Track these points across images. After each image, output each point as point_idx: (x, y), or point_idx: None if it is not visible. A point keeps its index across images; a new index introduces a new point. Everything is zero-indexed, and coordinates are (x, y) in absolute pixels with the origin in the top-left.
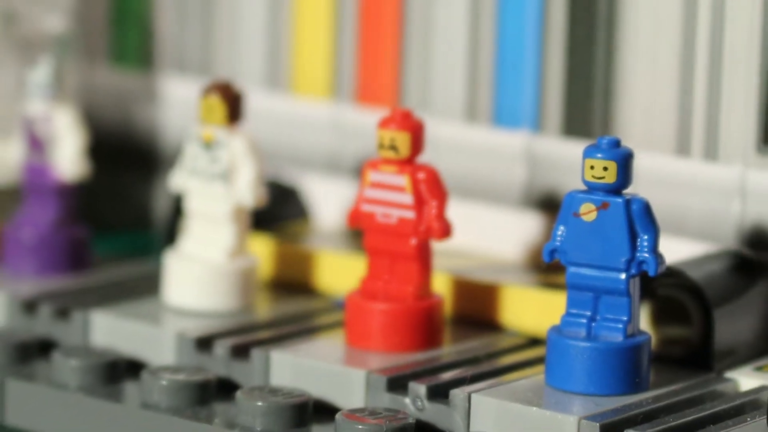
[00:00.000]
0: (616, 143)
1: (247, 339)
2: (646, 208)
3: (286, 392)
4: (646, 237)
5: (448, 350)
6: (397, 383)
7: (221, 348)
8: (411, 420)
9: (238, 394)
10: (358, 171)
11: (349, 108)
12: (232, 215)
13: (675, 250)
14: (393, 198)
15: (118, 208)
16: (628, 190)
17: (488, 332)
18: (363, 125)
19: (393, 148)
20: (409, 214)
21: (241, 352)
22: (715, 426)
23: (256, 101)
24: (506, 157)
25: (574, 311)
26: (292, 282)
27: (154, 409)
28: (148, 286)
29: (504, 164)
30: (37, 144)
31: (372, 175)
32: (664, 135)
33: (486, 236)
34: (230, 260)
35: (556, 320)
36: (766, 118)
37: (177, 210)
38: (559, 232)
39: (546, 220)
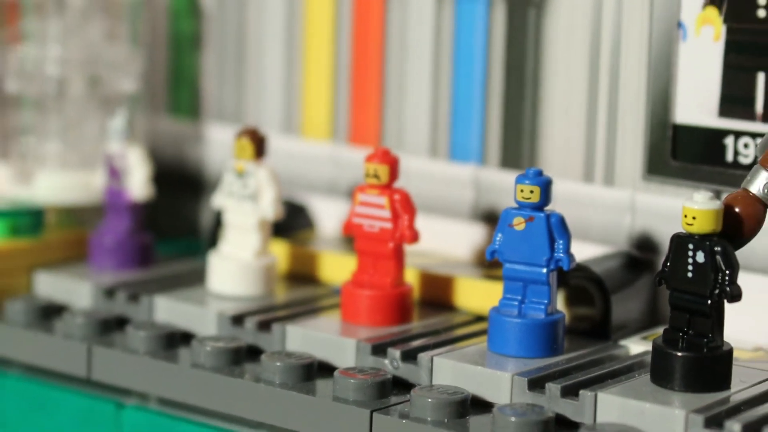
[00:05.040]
0: (540, 173)
1: (269, 316)
2: (562, 221)
3: (297, 356)
4: (561, 242)
5: (416, 325)
6: (379, 349)
7: (250, 323)
8: (389, 376)
9: (263, 357)
10: (351, 193)
11: (344, 147)
12: (258, 226)
13: (582, 251)
14: (376, 213)
15: (174, 221)
16: (549, 207)
17: (446, 312)
18: (354, 160)
19: (376, 176)
20: (388, 225)
21: (264, 326)
22: (612, 380)
23: (275, 142)
24: (459, 183)
25: (508, 296)
26: (302, 275)
27: (201, 368)
28: (197, 278)
29: (457, 189)
30: (115, 173)
31: (360, 196)
32: (574, 166)
33: (444, 242)
34: (257, 259)
35: (496, 302)
36: (649, 155)
37: (217, 222)
38: (498, 238)
39: (488, 229)
